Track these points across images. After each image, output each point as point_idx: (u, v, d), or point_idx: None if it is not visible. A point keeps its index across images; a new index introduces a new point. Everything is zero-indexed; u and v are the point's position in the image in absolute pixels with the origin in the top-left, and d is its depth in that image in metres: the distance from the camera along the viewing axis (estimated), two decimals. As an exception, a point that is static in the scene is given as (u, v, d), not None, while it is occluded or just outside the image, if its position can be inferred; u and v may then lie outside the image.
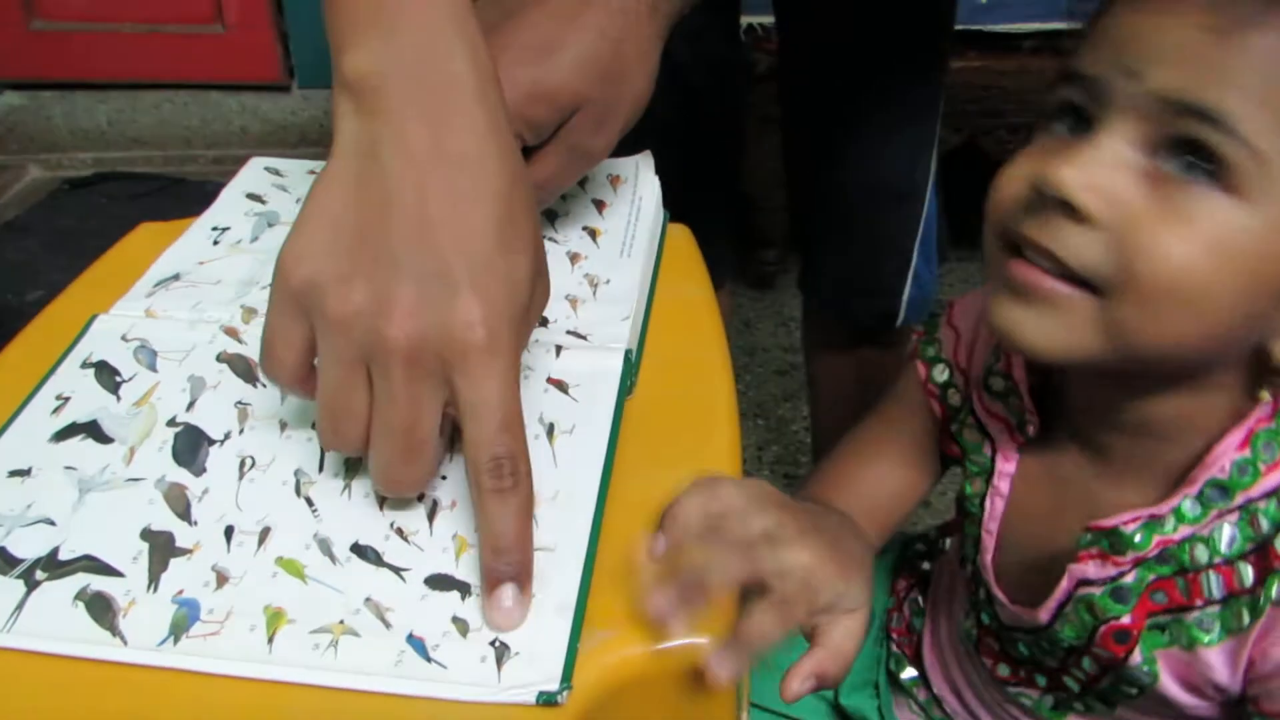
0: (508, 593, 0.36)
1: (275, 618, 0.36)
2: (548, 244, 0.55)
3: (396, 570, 0.38)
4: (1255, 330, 0.43)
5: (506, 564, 0.36)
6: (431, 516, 0.40)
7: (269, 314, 0.39)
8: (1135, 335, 0.41)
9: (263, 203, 0.59)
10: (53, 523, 0.39)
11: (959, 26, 0.92)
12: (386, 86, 0.38)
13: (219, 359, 0.47)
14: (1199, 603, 0.46)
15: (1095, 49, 0.43)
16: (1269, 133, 0.38)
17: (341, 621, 0.36)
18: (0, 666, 0.35)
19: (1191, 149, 0.39)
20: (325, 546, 0.39)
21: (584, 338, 0.48)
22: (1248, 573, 0.45)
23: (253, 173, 0.62)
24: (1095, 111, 0.42)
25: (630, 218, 0.57)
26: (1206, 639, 0.46)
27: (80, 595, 0.37)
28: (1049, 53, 1.50)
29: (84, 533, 0.39)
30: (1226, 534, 0.45)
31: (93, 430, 0.43)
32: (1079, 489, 0.52)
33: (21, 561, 0.38)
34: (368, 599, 0.37)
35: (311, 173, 0.61)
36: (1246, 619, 0.44)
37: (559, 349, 0.47)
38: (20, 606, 0.36)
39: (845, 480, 0.63)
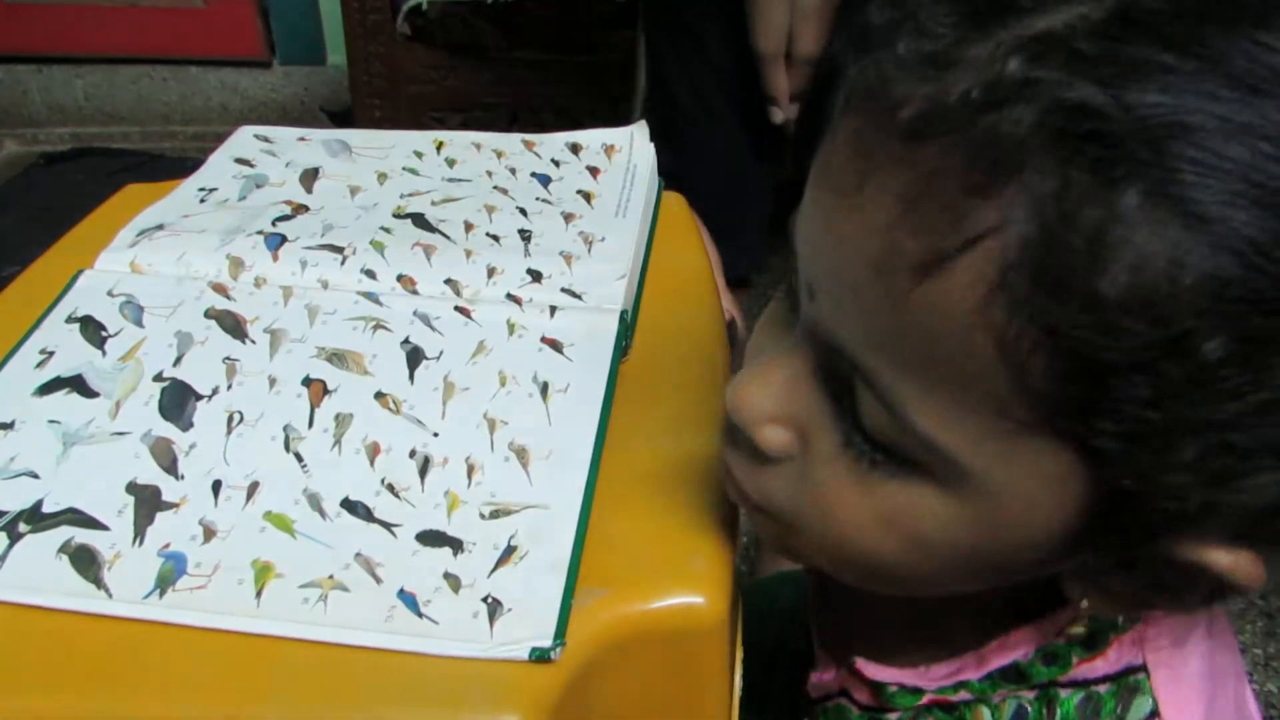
0: None
1: (263, 572, 0.36)
2: (541, 205, 0.54)
3: (387, 526, 0.38)
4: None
5: None
6: (423, 473, 0.39)
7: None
8: (827, 571, 0.36)
9: (251, 166, 0.58)
10: (36, 476, 0.39)
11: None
12: None
13: (207, 315, 0.46)
14: None
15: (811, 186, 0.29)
16: (950, 425, 0.27)
17: (331, 576, 0.36)
18: (-17, 618, 0.34)
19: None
20: (315, 502, 0.38)
21: (578, 296, 0.48)
22: None
23: (241, 140, 0.61)
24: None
25: (625, 182, 0.57)
26: None
27: (64, 548, 0.36)
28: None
29: (68, 486, 0.38)
30: (1012, 708, 0.37)
31: (78, 384, 0.42)
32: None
33: (4, 514, 0.37)
34: (358, 554, 0.36)
35: (302, 140, 0.61)
36: None
37: (554, 309, 0.47)
38: (3, 558, 0.36)
39: None
